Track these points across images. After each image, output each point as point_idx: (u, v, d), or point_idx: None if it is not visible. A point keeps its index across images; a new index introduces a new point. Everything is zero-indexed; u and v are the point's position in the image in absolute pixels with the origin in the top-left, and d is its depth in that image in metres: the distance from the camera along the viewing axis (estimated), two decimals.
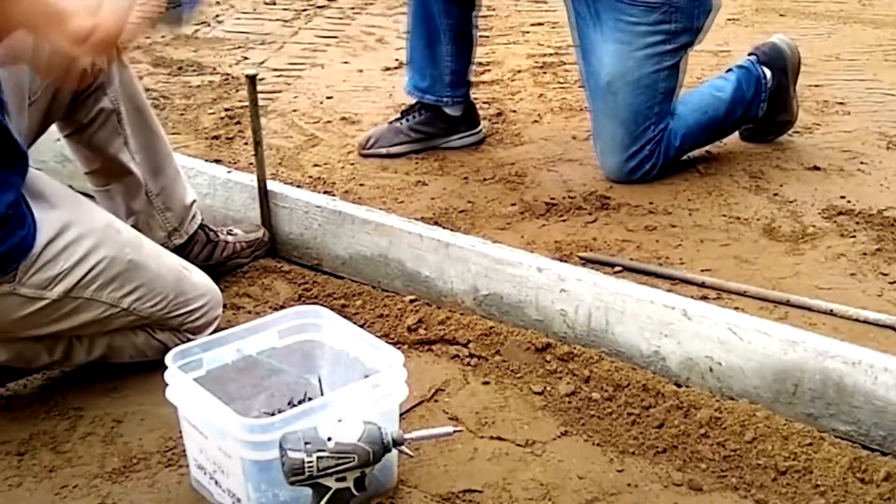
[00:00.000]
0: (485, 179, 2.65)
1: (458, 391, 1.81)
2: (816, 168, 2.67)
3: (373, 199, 2.52)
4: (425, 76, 2.78)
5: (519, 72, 3.49)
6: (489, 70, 3.50)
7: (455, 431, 1.50)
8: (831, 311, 1.98)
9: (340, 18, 4.23)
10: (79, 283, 1.67)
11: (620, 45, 2.51)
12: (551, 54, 3.66)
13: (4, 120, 1.62)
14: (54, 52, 1.52)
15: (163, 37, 4.00)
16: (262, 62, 3.67)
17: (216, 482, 1.51)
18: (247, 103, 3.17)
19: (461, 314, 2.00)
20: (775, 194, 2.53)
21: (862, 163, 2.71)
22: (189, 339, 1.81)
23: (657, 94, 2.55)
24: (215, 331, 1.86)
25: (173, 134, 2.98)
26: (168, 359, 1.53)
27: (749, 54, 2.79)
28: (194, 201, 2.17)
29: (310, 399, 1.64)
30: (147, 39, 3.94)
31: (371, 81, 3.46)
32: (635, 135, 2.55)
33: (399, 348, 1.65)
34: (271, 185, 2.29)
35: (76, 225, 1.68)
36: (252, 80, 2.18)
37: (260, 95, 3.25)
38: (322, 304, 1.87)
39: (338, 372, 1.66)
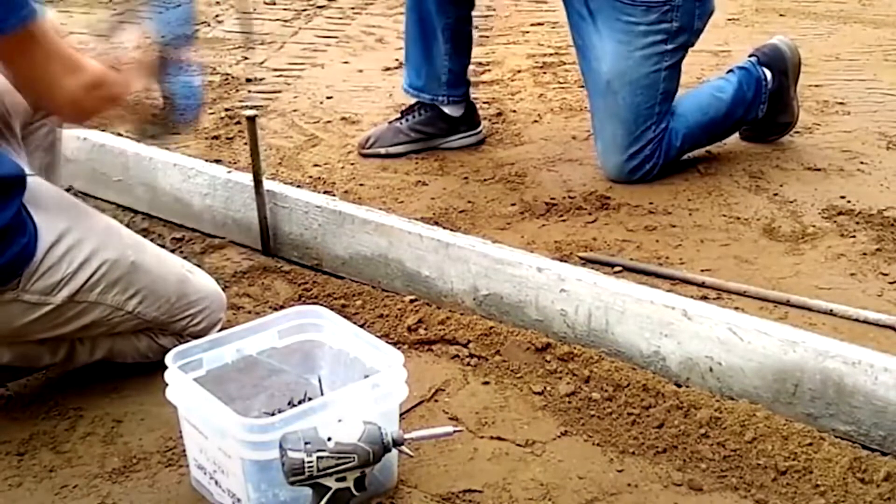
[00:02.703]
0: (485, 179, 2.65)
1: (458, 391, 1.81)
2: (816, 168, 2.67)
3: (373, 199, 2.52)
4: (421, 75, 2.78)
5: (519, 72, 3.49)
6: (489, 70, 3.51)
7: (455, 431, 1.50)
8: (831, 311, 1.98)
9: (340, 18, 4.24)
10: (82, 287, 1.66)
11: (620, 45, 2.51)
12: (551, 54, 3.66)
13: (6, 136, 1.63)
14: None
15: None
16: (262, 62, 3.67)
17: (216, 482, 1.51)
18: (248, 103, 3.19)
19: (461, 314, 2.00)
20: (775, 194, 2.53)
21: (862, 163, 2.71)
22: None
23: (657, 94, 2.55)
24: None
25: (173, 134, 2.97)
26: (168, 359, 1.53)
27: (749, 55, 2.79)
28: None
29: (310, 399, 1.64)
30: (147, 39, 3.94)
31: (371, 81, 3.46)
32: (636, 135, 2.55)
33: (399, 348, 1.65)
34: (271, 185, 2.29)
35: (75, 229, 1.67)
36: (252, 120, 2.18)
37: (260, 95, 3.29)
38: (322, 304, 1.87)
39: (338, 372, 1.66)
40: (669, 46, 2.51)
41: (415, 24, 2.74)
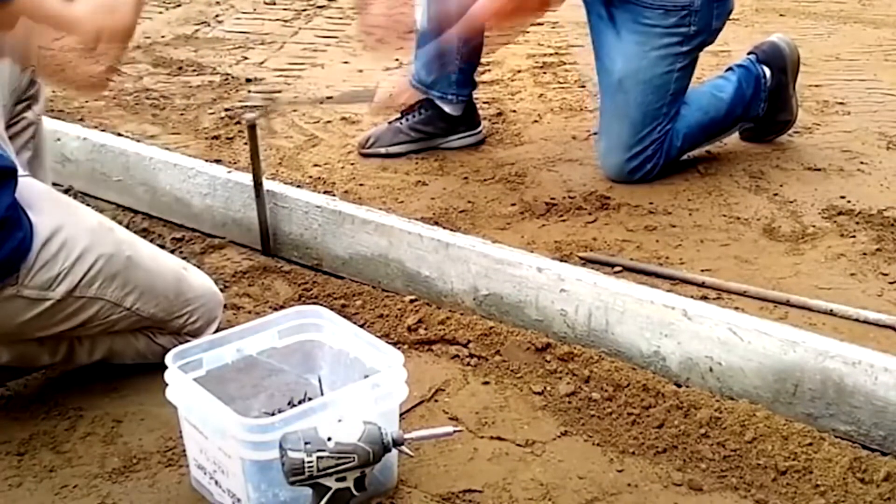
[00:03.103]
0: (485, 179, 2.65)
1: (458, 391, 1.81)
2: (816, 168, 2.67)
3: (373, 199, 2.52)
4: (430, 71, 2.77)
5: (519, 72, 3.49)
6: (489, 70, 3.50)
7: (455, 431, 1.50)
8: (831, 311, 1.98)
9: (340, 18, 4.23)
10: (81, 281, 1.66)
11: (636, 46, 2.51)
12: (551, 54, 3.66)
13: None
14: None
15: (163, 37, 4.00)
16: (262, 62, 3.67)
17: (216, 482, 1.51)
18: (247, 103, 3.19)
19: (461, 314, 2.00)
20: (775, 194, 2.53)
21: (862, 163, 2.71)
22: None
23: (667, 95, 2.55)
24: (215, 331, 1.86)
25: (173, 134, 2.98)
26: (168, 359, 1.53)
27: (748, 53, 2.79)
28: None
29: (310, 399, 1.64)
30: (147, 39, 3.95)
31: (371, 81, 3.46)
32: (641, 134, 2.55)
33: (399, 348, 1.65)
34: (271, 185, 2.29)
35: (68, 226, 1.67)
36: (252, 127, 2.18)
37: (260, 95, 3.29)
38: (322, 304, 1.87)
39: (338, 372, 1.66)
40: (685, 48, 2.52)
41: (431, 20, 2.72)
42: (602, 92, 2.65)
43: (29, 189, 1.69)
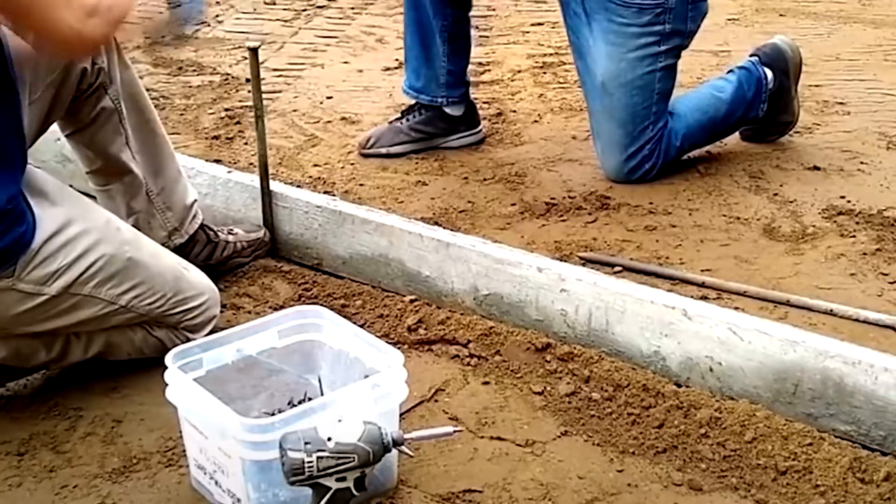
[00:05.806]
0: (485, 179, 2.65)
1: (458, 391, 1.81)
2: (816, 168, 2.67)
3: (373, 199, 2.52)
4: (420, 76, 2.77)
5: (519, 72, 3.49)
6: (489, 70, 3.50)
7: (455, 431, 1.50)
8: (831, 311, 1.98)
9: (340, 18, 4.23)
10: (77, 279, 1.67)
11: (612, 47, 2.51)
12: (551, 54, 3.66)
13: (20, 109, 1.63)
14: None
15: (163, 37, 4.00)
16: (262, 62, 3.66)
17: (216, 482, 1.51)
18: (247, 103, 3.19)
19: (461, 314, 2.00)
20: (775, 194, 2.53)
21: (862, 163, 2.71)
22: (187, 337, 1.82)
23: (653, 95, 2.54)
24: (213, 330, 1.86)
25: (173, 134, 2.97)
26: (168, 359, 1.53)
27: (750, 55, 2.79)
28: (195, 201, 2.17)
29: (310, 399, 1.64)
30: (147, 39, 3.94)
31: (371, 81, 3.46)
32: (634, 135, 2.55)
33: (399, 348, 1.65)
34: (271, 185, 2.28)
35: (76, 222, 1.68)
36: (254, 52, 2.15)
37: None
38: (322, 304, 1.87)
39: (338, 372, 1.66)
40: (663, 48, 2.51)
41: (413, 26, 2.74)
42: (587, 93, 2.65)
43: (43, 181, 1.70)
